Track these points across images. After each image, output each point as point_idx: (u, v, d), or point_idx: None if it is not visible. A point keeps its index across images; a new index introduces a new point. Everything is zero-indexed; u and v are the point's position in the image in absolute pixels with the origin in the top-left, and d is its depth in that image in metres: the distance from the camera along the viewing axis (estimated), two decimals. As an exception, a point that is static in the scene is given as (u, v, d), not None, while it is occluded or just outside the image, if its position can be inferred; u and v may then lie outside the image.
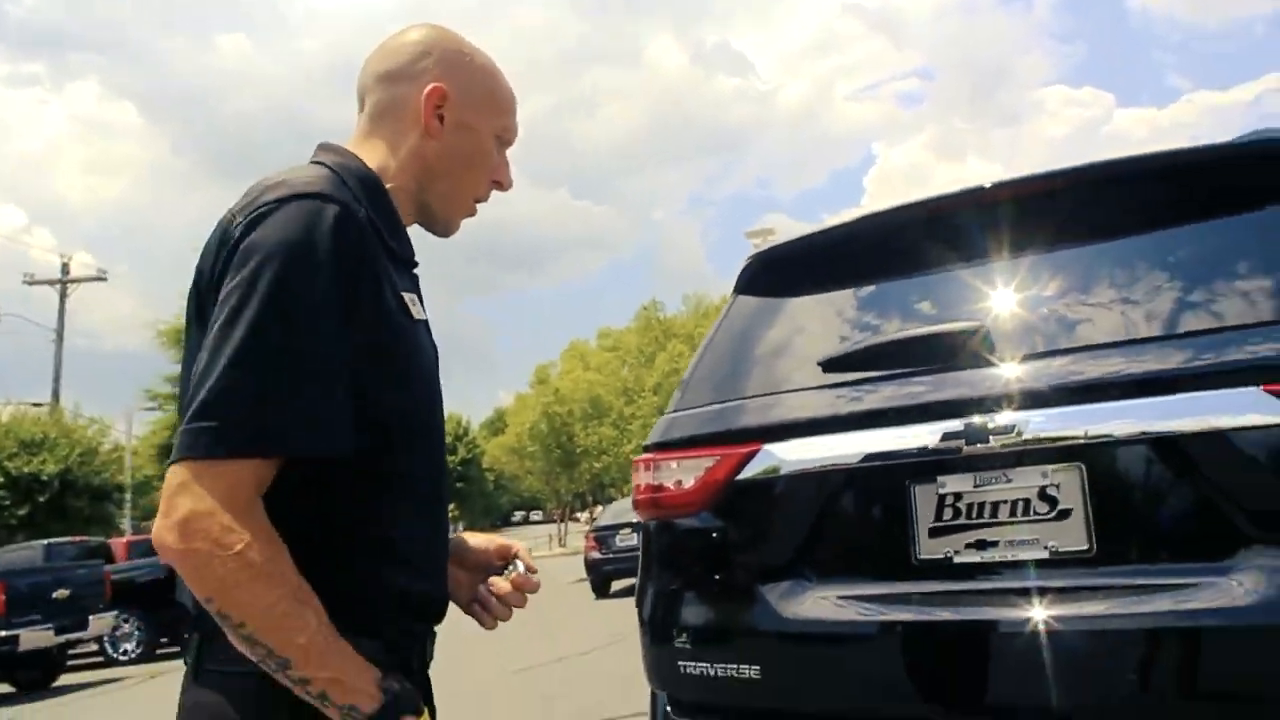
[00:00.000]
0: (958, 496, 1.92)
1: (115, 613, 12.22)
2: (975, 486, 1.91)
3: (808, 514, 2.09)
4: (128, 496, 23.41)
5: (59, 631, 10.94)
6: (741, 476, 2.16)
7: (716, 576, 2.21)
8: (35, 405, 23.29)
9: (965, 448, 1.88)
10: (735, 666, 2.11)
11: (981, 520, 1.89)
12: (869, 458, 2.00)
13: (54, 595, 11.06)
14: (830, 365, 2.16)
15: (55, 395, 24.63)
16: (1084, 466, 1.81)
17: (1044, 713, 1.80)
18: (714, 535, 2.22)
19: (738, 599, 2.15)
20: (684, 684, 2.21)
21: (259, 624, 1.05)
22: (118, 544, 15.56)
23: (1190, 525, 1.76)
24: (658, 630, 2.30)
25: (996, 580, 1.87)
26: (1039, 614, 1.78)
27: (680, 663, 2.21)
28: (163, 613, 13.01)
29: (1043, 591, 1.81)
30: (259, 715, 1.12)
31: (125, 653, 13.11)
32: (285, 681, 1.08)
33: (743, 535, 2.18)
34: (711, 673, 2.14)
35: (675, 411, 2.42)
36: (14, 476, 19.25)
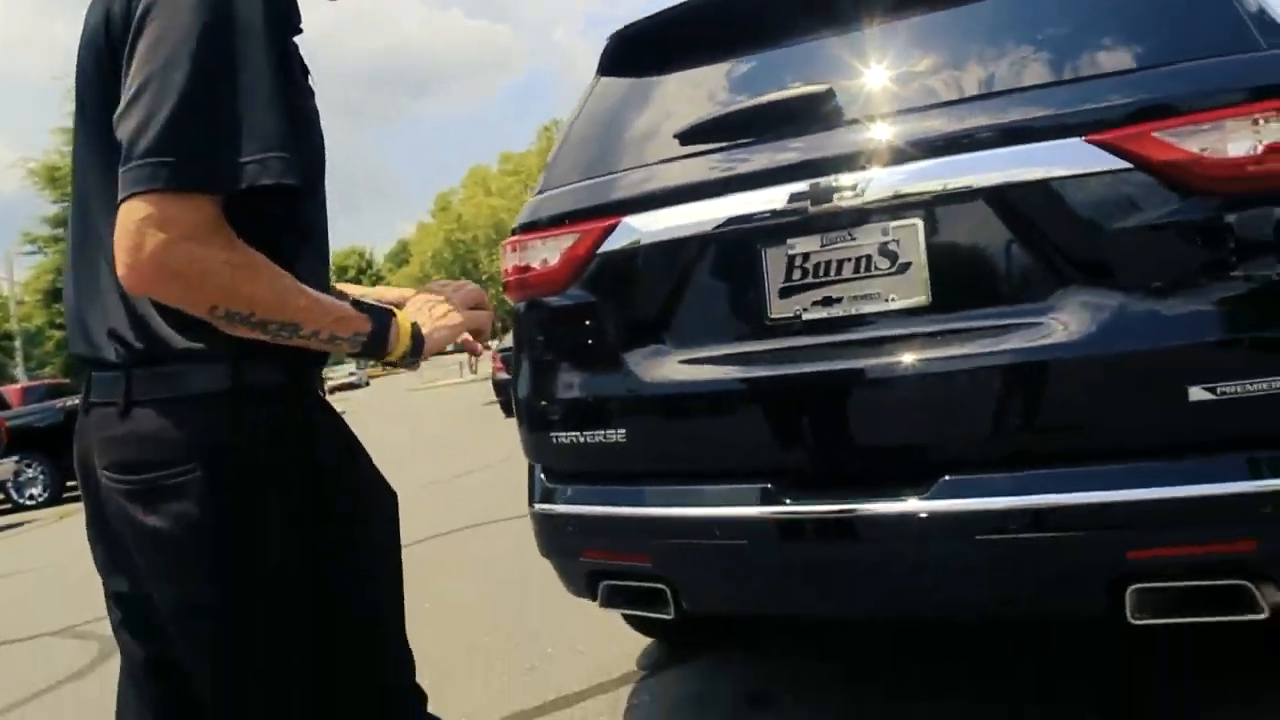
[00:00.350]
0: (805, 257, 2.00)
1: (16, 458, 12.02)
2: (822, 246, 1.98)
3: (666, 282, 2.15)
4: (17, 344, 22.58)
5: (-47, 478, 10.76)
6: (603, 250, 2.20)
7: (582, 350, 2.27)
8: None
9: (811, 208, 1.94)
10: (603, 433, 2.21)
11: (828, 278, 1.98)
12: (722, 224, 2.06)
13: (-55, 442, 10.82)
14: (685, 137, 2.18)
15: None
16: (921, 222, 1.89)
17: (890, 450, 1.94)
18: (579, 310, 2.27)
19: (603, 369, 2.23)
20: (557, 454, 2.31)
21: (266, 307, 1.16)
22: (12, 391, 15.15)
23: (1017, 271, 1.87)
24: (530, 405, 2.38)
25: (842, 334, 1.97)
26: (881, 362, 1.90)
27: (552, 434, 2.30)
28: (66, 456, 12.74)
29: (884, 341, 1.92)
30: (210, 435, 1.21)
31: (31, 497, 12.97)
32: (297, 342, 1.21)
33: (606, 308, 2.24)
34: (581, 440, 2.24)
35: (540, 193, 2.43)
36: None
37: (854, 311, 1.96)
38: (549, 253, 2.31)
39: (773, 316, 2.03)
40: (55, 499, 12.98)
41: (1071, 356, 1.76)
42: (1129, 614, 1.77)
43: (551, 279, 2.31)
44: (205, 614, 1.23)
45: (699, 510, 2.08)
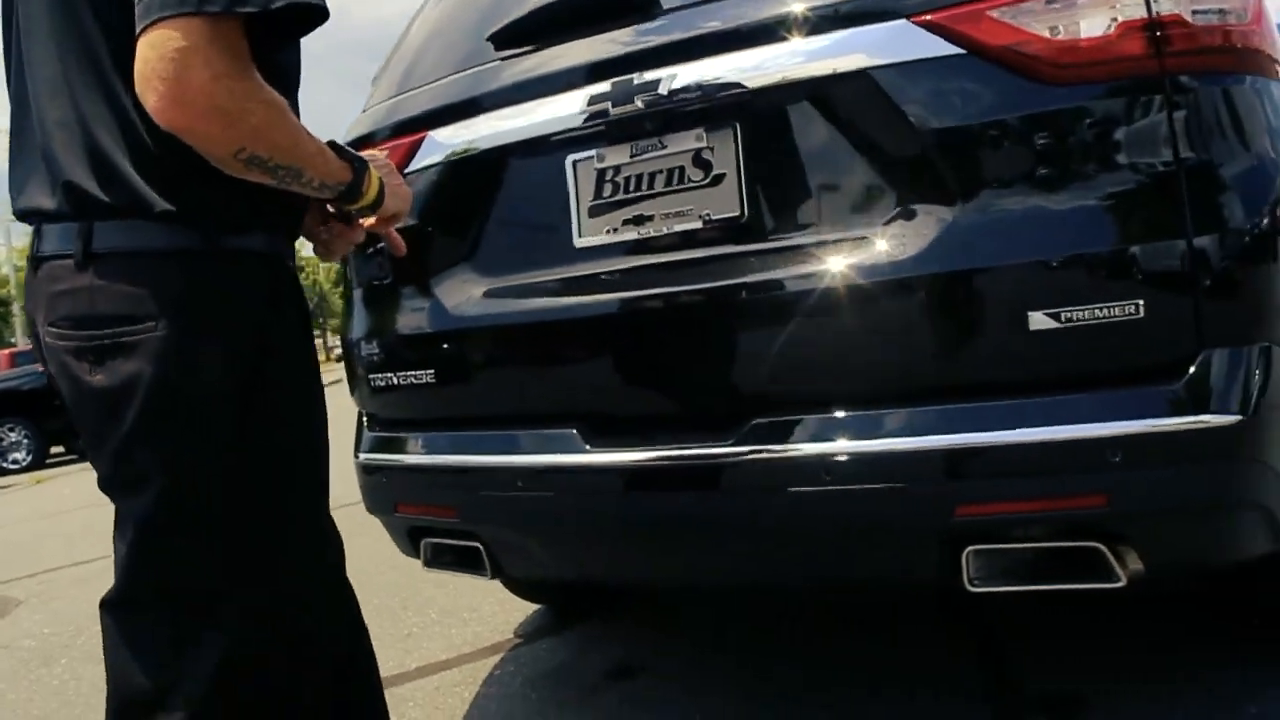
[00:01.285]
0: (616, 170, 1.73)
1: (-3, 423, 11.94)
2: (632, 157, 1.71)
3: (472, 203, 1.90)
4: (15, 309, 22.57)
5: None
6: (409, 170, 1.95)
7: (395, 283, 2.02)
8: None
9: (613, 110, 1.67)
10: (413, 374, 1.96)
11: (639, 193, 1.71)
12: (525, 135, 1.79)
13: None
14: (494, 41, 1.90)
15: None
16: (737, 125, 1.62)
17: (698, 389, 1.69)
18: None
19: (413, 305, 1.98)
20: (374, 398, 2.07)
21: (284, 151, 1.16)
22: (1, 355, 15.07)
23: (840, 181, 1.60)
24: (351, 346, 2.13)
25: (652, 257, 1.71)
26: (691, 288, 1.64)
27: (370, 377, 2.06)
28: (51, 421, 12.72)
29: (695, 265, 1.66)
30: (180, 292, 1.18)
31: (15, 461, 12.90)
32: (295, 188, 1.21)
33: (416, 234, 1.97)
34: (394, 383, 1.99)
35: (361, 113, 2.17)
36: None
37: (665, 231, 1.69)
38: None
39: (581, 239, 1.77)
40: (38, 464, 12.90)
41: (894, 279, 1.49)
42: (966, 580, 1.52)
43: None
44: (149, 484, 1.20)
45: (501, 458, 1.83)
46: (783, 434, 1.56)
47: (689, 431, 1.64)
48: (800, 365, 1.56)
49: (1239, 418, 1.39)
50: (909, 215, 1.51)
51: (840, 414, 1.53)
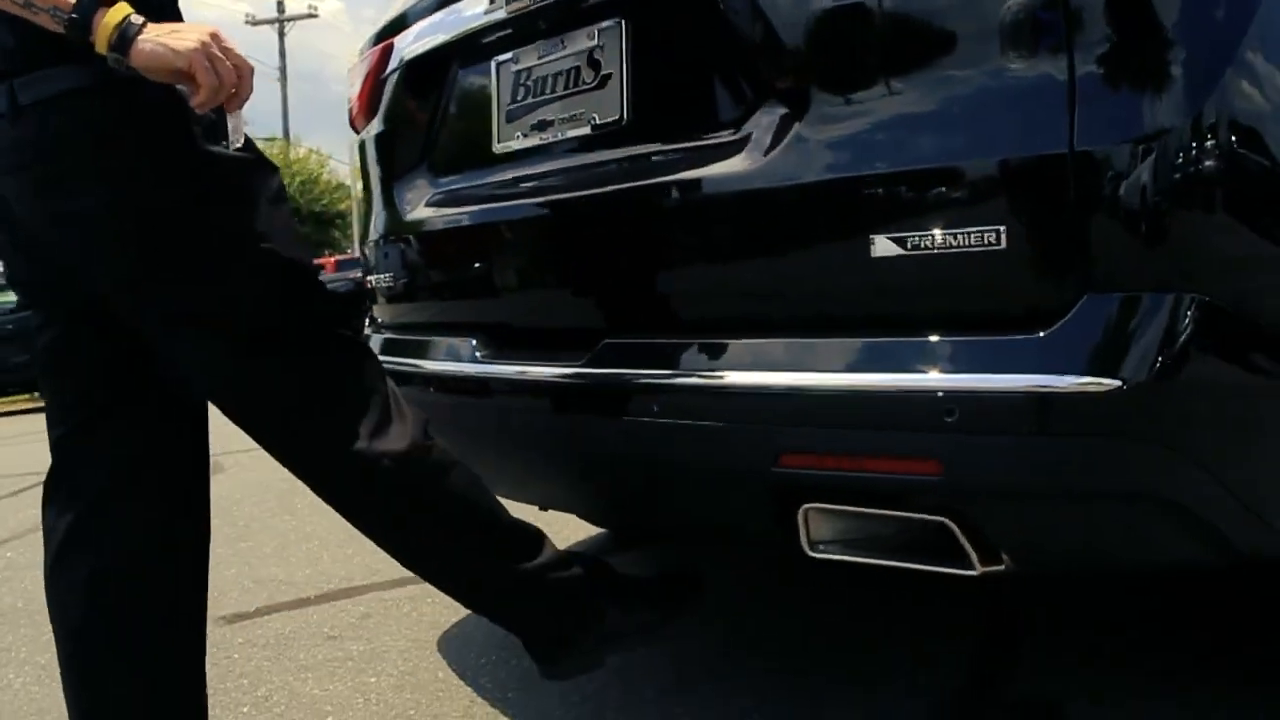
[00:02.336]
0: (529, 73, 1.65)
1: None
2: (539, 59, 1.62)
3: (427, 107, 1.89)
4: (351, 221, 25.33)
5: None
6: (383, 75, 1.96)
7: (376, 189, 2.06)
8: (269, 140, 25.14)
9: (507, 6, 1.58)
10: (388, 278, 1.99)
11: (544, 97, 1.62)
12: (458, 37, 1.76)
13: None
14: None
15: (285, 131, 26.49)
16: (624, 20, 1.48)
17: (568, 304, 1.59)
18: (375, 144, 2.04)
19: (385, 208, 2.01)
20: (374, 301, 2.13)
21: None
22: (328, 262, 17.03)
23: (718, 81, 1.43)
24: (360, 248, 2.20)
25: (550, 162, 1.62)
26: (571, 197, 1.54)
27: (368, 279, 2.12)
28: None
29: (578, 172, 1.55)
30: (103, 122, 1.21)
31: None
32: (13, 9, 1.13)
33: (387, 141, 2.00)
34: (379, 284, 2.04)
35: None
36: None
37: (560, 136, 1.59)
38: (356, 81, 2.10)
39: (498, 145, 1.71)
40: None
41: (742, 190, 1.32)
42: (806, 543, 1.33)
43: (357, 111, 2.10)
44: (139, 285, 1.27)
45: (426, 364, 1.83)
46: (624, 358, 1.43)
47: (554, 348, 1.55)
48: (650, 283, 1.42)
49: (1119, 384, 1.10)
50: (772, 121, 1.32)
51: (674, 340, 1.39)
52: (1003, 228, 1.13)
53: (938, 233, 1.16)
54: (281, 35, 27.49)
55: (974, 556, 1.22)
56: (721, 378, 1.32)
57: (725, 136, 1.36)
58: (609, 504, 1.62)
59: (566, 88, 1.57)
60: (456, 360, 1.72)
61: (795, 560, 1.40)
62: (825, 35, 1.26)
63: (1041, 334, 1.13)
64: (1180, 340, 1.10)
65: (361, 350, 1.41)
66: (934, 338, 1.19)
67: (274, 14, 27.72)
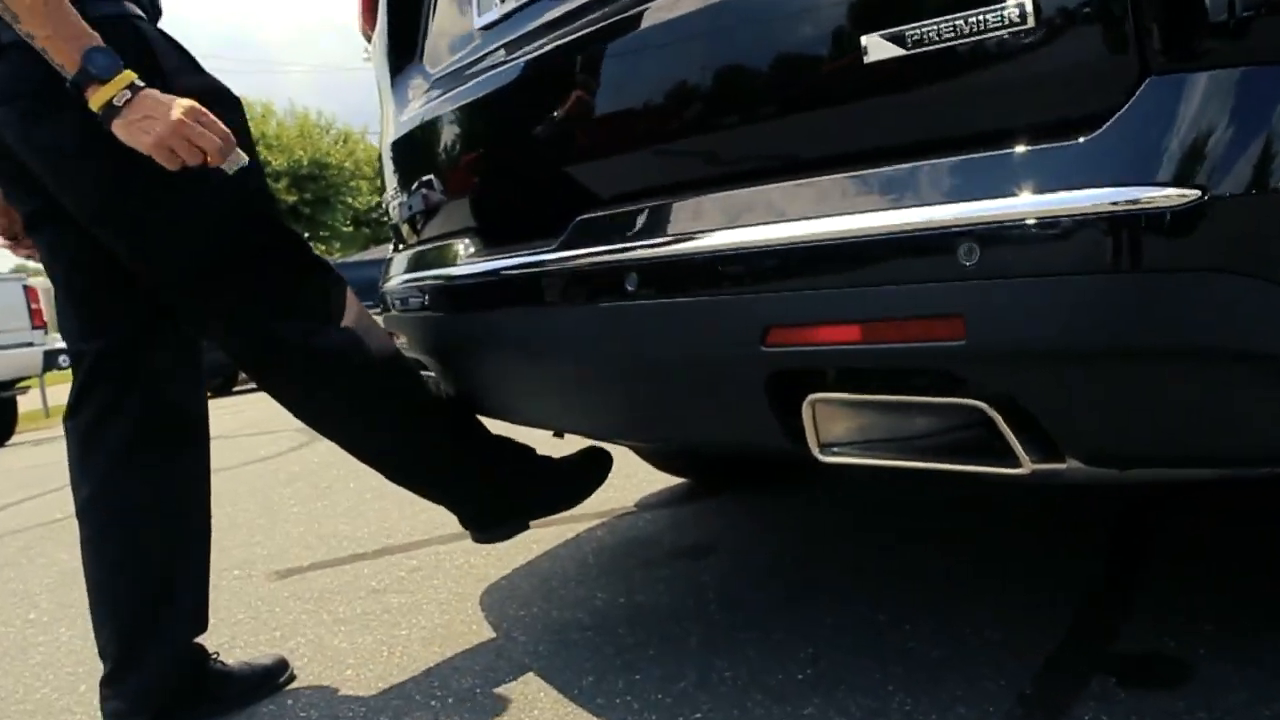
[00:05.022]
0: (506, -78, 1.42)
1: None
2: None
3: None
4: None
5: (387, 316, 12.58)
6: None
7: (385, 92, 1.87)
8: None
9: None
10: (394, 187, 1.81)
11: (518, -47, 1.39)
12: None
13: (381, 286, 12.64)
14: None
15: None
16: None
17: (549, 180, 1.35)
18: (381, 45, 1.86)
19: (388, 111, 1.83)
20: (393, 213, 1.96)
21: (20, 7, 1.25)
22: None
23: None
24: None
25: (525, 25, 1.38)
26: (546, 51, 1.30)
27: (385, 194, 1.95)
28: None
29: (556, 24, 1.31)
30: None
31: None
32: (20, 31, 1.28)
33: (389, 38, 1.81)
34: (392, 197, 1.86)
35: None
36: (385, 195, 21.83)
37: (532, -5, 1.36)
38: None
39: (479, 18, 1.49)
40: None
41: (718, 7, 1.05)
42: (814, 444, 1.07)
43: (362, 18, 1.93)
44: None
45: (417, 275, 1.64)
46: (595, 235, 1.19)
47: (537, 235, 1.33)
48: (612, 141, 1.18)
49: (1197, 194, 0.80)
50: None
51: (644, 206, 1.14)
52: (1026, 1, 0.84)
53: (947, 22, 0.88)
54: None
55: (1020, 450, 0.94)
56: (692, 240, 1.06)
57: None
58: (602, 415, 1.38)
59: None
60: (445, 267, 1.52)
61: (811, 467, 1.14)
62: None
63: (1086, 137, 0.83)
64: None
65: (316, 265, 1.59)
66: (942, 159, 0.90)
67: None
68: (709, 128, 1.08)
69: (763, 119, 1.03)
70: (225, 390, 14.01)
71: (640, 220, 1.14)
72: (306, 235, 19.85)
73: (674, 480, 2.85)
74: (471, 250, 1.47)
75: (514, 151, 1.39)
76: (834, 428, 1.06)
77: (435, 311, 1.55)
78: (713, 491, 2.70)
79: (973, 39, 0.87)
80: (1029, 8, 0.84)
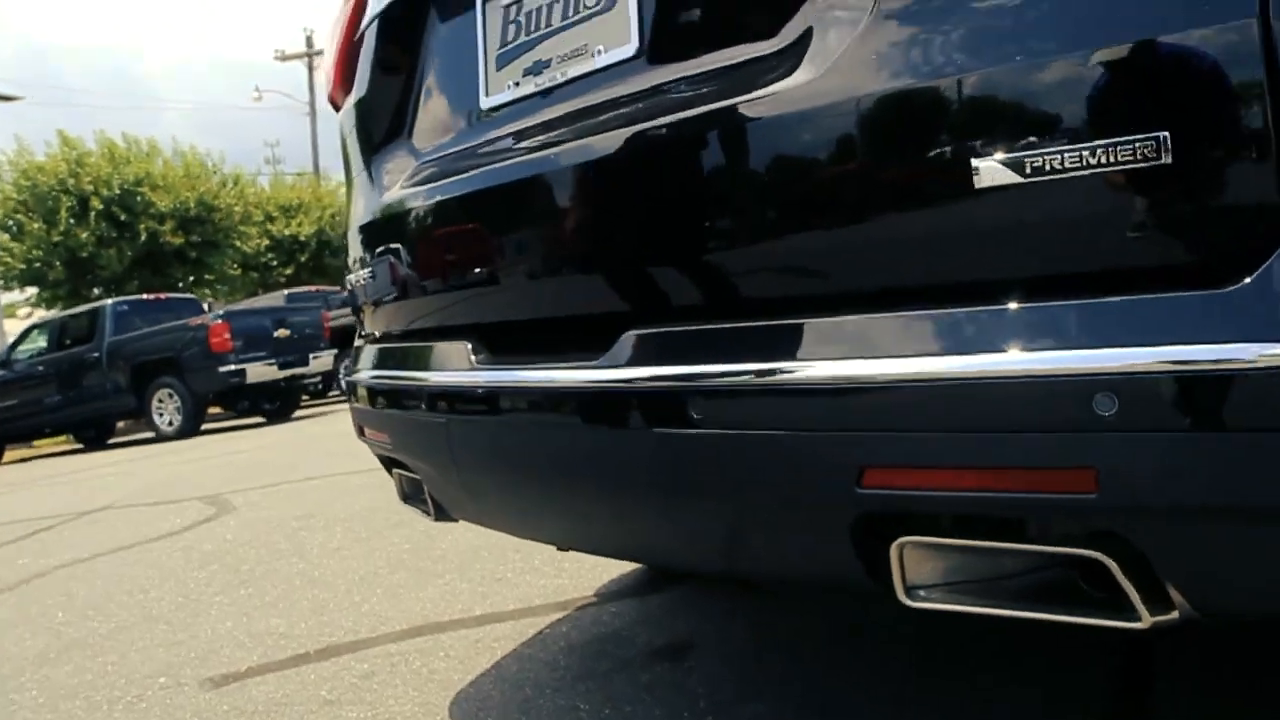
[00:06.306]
0: (519, 6, 1.33)
1: (335, 352, 13.27)
2: (533, -14, 1.31)
3: (404, 67, 1.58)
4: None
5: (282, 367, 12.09)
6: (357, 35, 1.66)
7: (356, 169, 1.75)
8: (299, 175, 25.21)
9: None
10: (366, 274, 1.68)
11: (539, 33, 1.30)
12: None
13: (276, 335, 12.17)
14: None
15: (315, 166, 26.54)
16: (635, -82, 1.16)
17: (579, 287, 1.26)
18: (353, 118, 1.73)
19: (363, 190, 1.70)
20: (355, 304, 1.82)
21: None
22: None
23: None
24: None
25: (548, 110, 1.29)
26: (575, 149, 1.21)
27: (346, 278, 1.81)
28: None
29: (583, 118, 1.22)
30: None
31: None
32: None
33: (364, 112, 1.69)
34: (358, 282, 1.72)
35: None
36: (276, 239, 21.18)
37: (559, 79, 1.27)
38: (330, 52, 1.80)
39: (486, 99, 1.39)
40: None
41: (798, 114, 0.98)
42: (901, 589, 0.99)
43: (330, 85, 1.80)
44: None
45: (413, 374, 1.51)
46: (651, 353, 1.10)
47: (567, 346, 1.22)
48: (691, 247, 1.09)
49: (1362, 353, 0.75)
50: (817, 22, 0.99)
51: (715, 327, 1.05)
52: (1165, 134, 0.79)
53: (1069, 150, 0.82)
54: (311, 70, 27.65)
55: (1139, 603, 0.88)
56: (781, 370, 0.98)
57: (770, 47, 1.03)
58: (638, 542, 1.28)
59: (565, 18, 1.25)
60: (445, 369, 1.39)
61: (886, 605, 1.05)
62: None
63: (1232, 286, 0.78)
64: None
65: None
66: (1072, 299, 0.84)
67: (303, 49, 27.95)
68: (795, 244, 1.00)
69: (863, 238, 0.95)
70: (99, 443, 13.16)
71: (707, 341, 1.05)
72: (192, 279, 19.07)
73: (629, 565, 2.73)
74: (483, 355, 1.35)
75: (540, 250, 1.29)
76: (923, 570, 0.98)
77: (438, 416, 1.42)
78: (673, 579, 2.59)
79: (1089, 170, 0.82)
80: (1165, 144, 0.79)
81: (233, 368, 11.54)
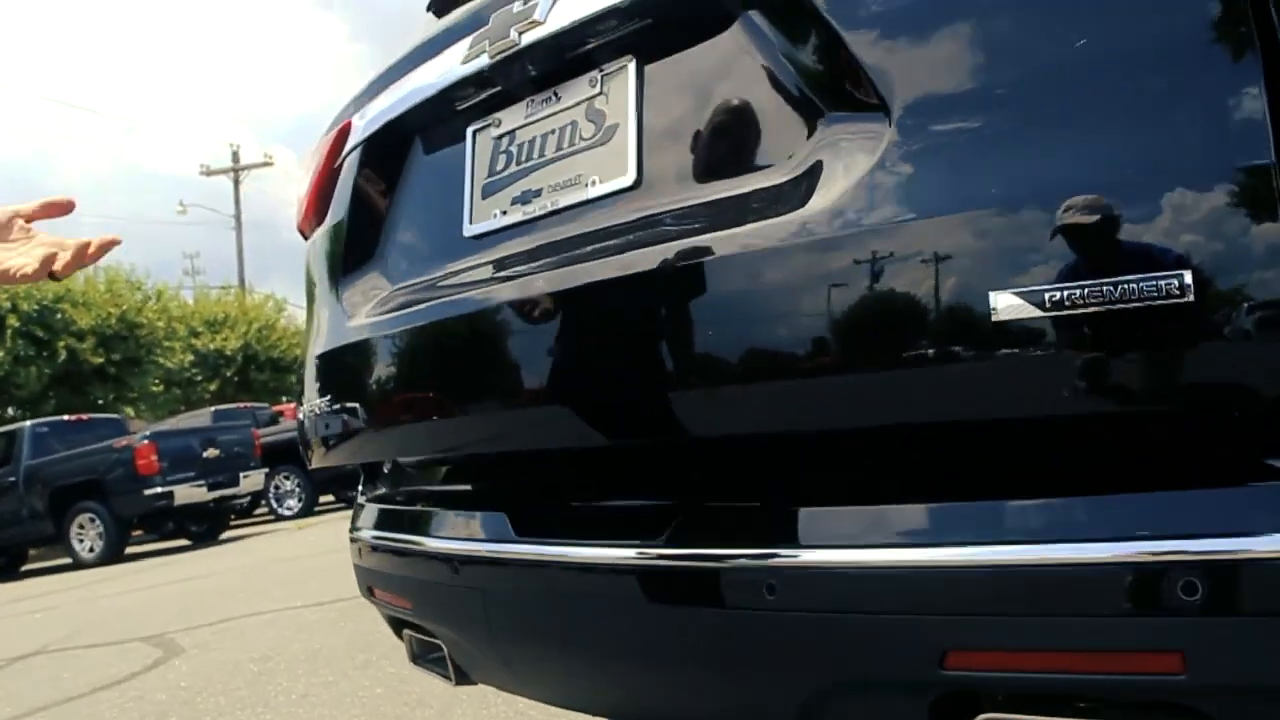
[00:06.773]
0: (511, 136, 1.30)
1: (265, 471, 12.88)
2: (527, 118, 1.28)
3: (384, 193, 1.55)
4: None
5: (211, 488, 11.66)
6: (338, 161, 1.62)
7: (320, 297, 1.67)
8: (224, 289, 24.85)
9: (490, 53, 1.24)
10: (326, 399, 1.59)
11: (530, 163, 1.27)
12: (421, 101, 1.41)
13: (205, 455, 11.77)
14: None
15: (240, 278, 26.25)
16: (635, 60, 1.15)
17: (602, 456, 1.21)
18: (324, 244, 1.66)
19: (325, 321, 1.61)
20: (309, 446, 1.72)
21: None
22: (289, 409, 16.51)
23: (759, 116, 1.08)
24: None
25: (539, 236, 1.25)
26: (577, 274, 1.14)
27: (299, 413, 1.72)
28: (321, 471, 13.63)
29: (584, 242, 1.18)
30: None
31: (290, 508, 13.88)
32: None
33: (336, 239, 1.62)
34: (313, 422, 1.63)
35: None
36: (201, 354, 20.73)
37: (549, 208, 1.23)
38: (306, 179, 1.75)
39: (471, 227, 1.35)
40: (308, 510, 13.83)
41: (819, 237, 0.94)
42: (983, 769, 0.93)
43: (303, 213, 1.76)
44: None
45: (439, 539, 1.43)
46: (708, 533, 1.05)
47: (604, 525, 1.17)
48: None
49: None
50: (821, 154, 0.98)
51: (796, 506, 1.00)
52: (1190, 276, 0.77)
53: (1102, 285, 0.80)
54: (237, 184, 27.59)
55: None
56: (856, 552, 0.94)
57: (777, 178, 1.02)
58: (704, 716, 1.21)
59: (559, 149, 1.22)
60: (483, 540, 1.31)
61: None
62: (911, 29, 0.93)
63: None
64: None
65: None
66: (1157, 488, 0.82)
67: (229, 164, 27.90)
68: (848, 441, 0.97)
69: (910, 412, 0.92)
70: (12, 572, 12.28)
71: (787, 519, 1.00)
72: (113, 397, 18.46)
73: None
74: (527, 524, 1.28)
75: (557, 391, 1.21)
76: (997, 752, 0.93)
77: (472, 585, 1.34)
78: None
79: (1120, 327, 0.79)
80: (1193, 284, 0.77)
81: (160, 490, 11.08)
